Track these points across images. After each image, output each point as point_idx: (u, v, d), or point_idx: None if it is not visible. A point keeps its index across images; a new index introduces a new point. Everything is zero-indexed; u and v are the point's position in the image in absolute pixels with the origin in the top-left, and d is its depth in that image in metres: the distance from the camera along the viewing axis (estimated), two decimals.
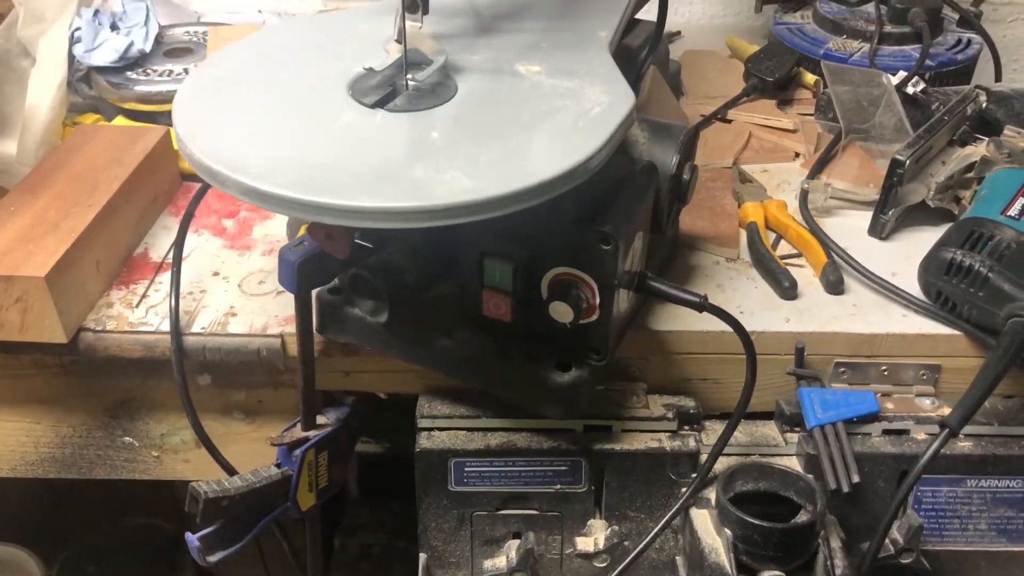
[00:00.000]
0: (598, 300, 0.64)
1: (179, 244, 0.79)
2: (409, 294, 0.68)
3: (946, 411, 0.77)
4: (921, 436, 0.75)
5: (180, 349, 0.75)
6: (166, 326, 0.76)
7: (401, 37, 0.65)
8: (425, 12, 0.66)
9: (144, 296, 0.80)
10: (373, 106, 0.62)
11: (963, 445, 0.75)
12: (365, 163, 0.56)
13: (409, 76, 0.63)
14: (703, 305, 0.68)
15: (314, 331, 0.73)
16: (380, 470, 1.11)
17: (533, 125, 0.60)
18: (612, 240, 0.61)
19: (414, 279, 0.68)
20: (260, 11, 1.36)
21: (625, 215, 0.63)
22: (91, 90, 1.02)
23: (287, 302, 0.80)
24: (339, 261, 0.67)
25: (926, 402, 0.78)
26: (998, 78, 1.14)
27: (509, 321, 0.67)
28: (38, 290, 0.71)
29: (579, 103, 0.62)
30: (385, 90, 0.64)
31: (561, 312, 0.64)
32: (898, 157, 0.82)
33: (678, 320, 0.77)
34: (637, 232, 0.66)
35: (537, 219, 0.61)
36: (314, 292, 0.72)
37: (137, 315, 0.78)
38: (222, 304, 0.80)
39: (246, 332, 0.77)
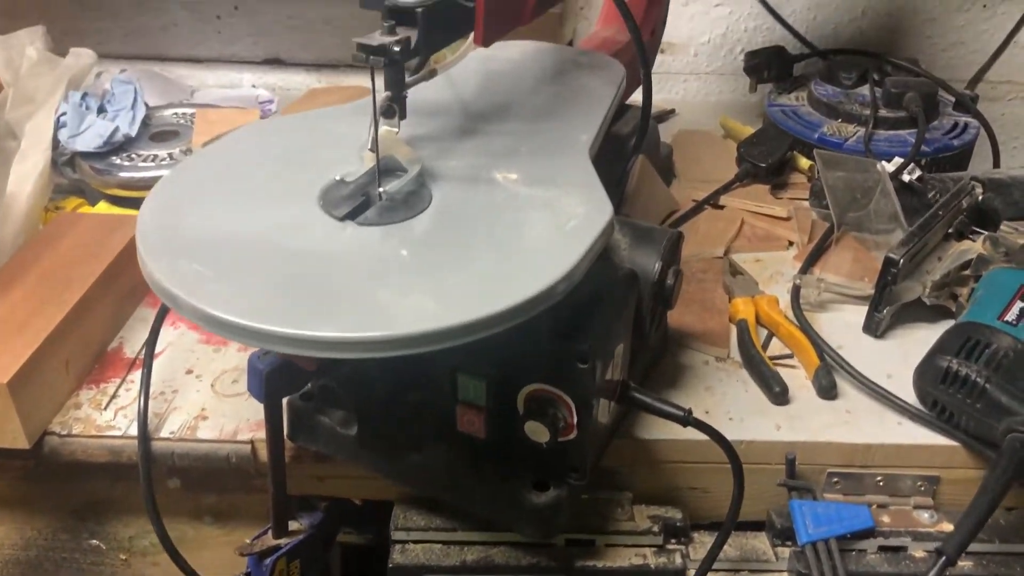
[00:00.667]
0: (575, 419, 0.61)
1: (151, 344, 0.77)
2: (379, 407, 0.66)
3: (946, 526, 0.74)
4: (919, 554, 0.72)
5: (147, 456, 0.73)
6: (134, 430, 0.74)
7: (375, 146, 0.63)
8: (402, 117, 0.64)
9: (114, 396, 0.78)
10: (343, 219, 0.60)
11: (963, 564, 0.71)
12: (329, 286, 0.54)
13: (381, 189, 0.61)
14: (687, 420, 0.65)
15: (285, 438, 0.70)
16: (363, 560, 1.08)
17: (505, 241, 0.58)
18: (590, 358, 0.59)
19: (384, 392, 0.65)
20: (254, 86, 1.36)
21: (604, 330, 0.61)
22: (75, 174, 1.01)
23: (258, 406, 0.77)
24: (308, 371, 0.65)
25: (924, 515, 0.74)
26: (996, 163, 1.12)
27: (483, 437, 0.64)
28: (1, 396, 0.69)
29: (555, 215, 0.60)
30: (357, 200, 0.62)
31: (537, 432, 0.61)
32: (892, 256, 0.80)
33: (665, 428, 0.74)
34: (618, 345, 0.64)
35: (511, 335, 0.58)
36: (285, 398, 0.70)
37: (105, 418, 0.76)
38: (193, 406, 0.77)
39: (216, 438, 0.74)
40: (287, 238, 0.58)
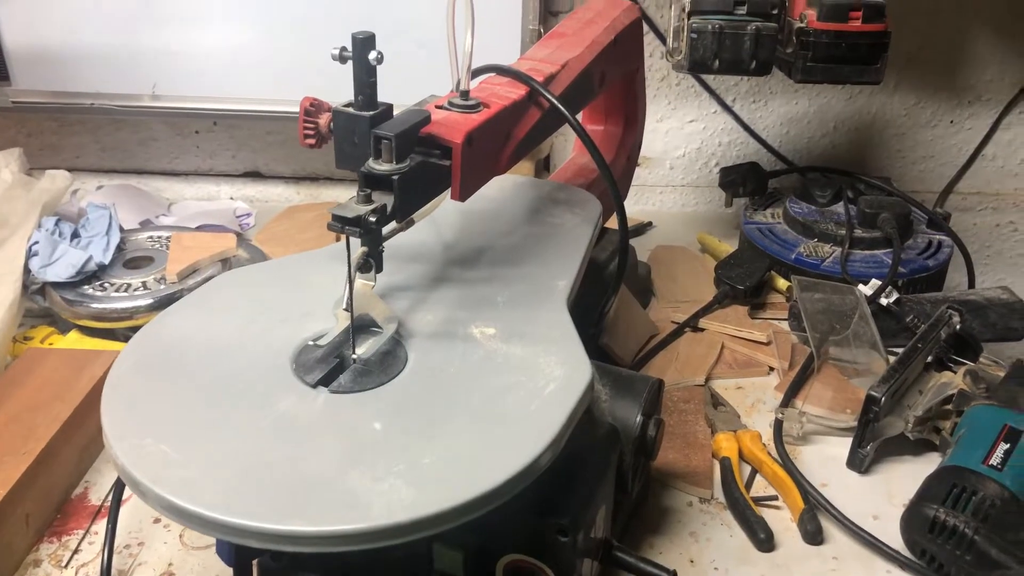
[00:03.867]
0: None
1: (115, 505, 0.74)
2: (353, 573, 0.63)
3: None
4: None
5: None
6: None
7: (349, 303, 0.62)
8: (378, 271, 0.63)
9: (76, 551, 0.75)
10: (316, 385, 0.58)
11: None
12: (300, 469, 0.52)
13: (355, 355, 0.60)
14: None
15: None
16: None
17: (483, 410, 0.57)
18: (571, 532, 0.57)
19: (358, 558, 0.63)
20: (232, 198, 1.36)
21: (586, 500, 0.59)
22: (46, 302, 0.99)
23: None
24: None
25: None
26: (971, 282, 1.13)
27: None
28: None
29: (533, 379, 0.59)
30: (330, 363, 0.60)
31: None
32: (873, 394, 0.80)
33: None
34: (600, 508, 0.62)
35: None
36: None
37: None
38: (160, 561, 0.74)
39: None
40: (259, 410, 0.56)
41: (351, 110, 0.60)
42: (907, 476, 0.83)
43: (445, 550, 0.60)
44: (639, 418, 0.67)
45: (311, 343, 0.61)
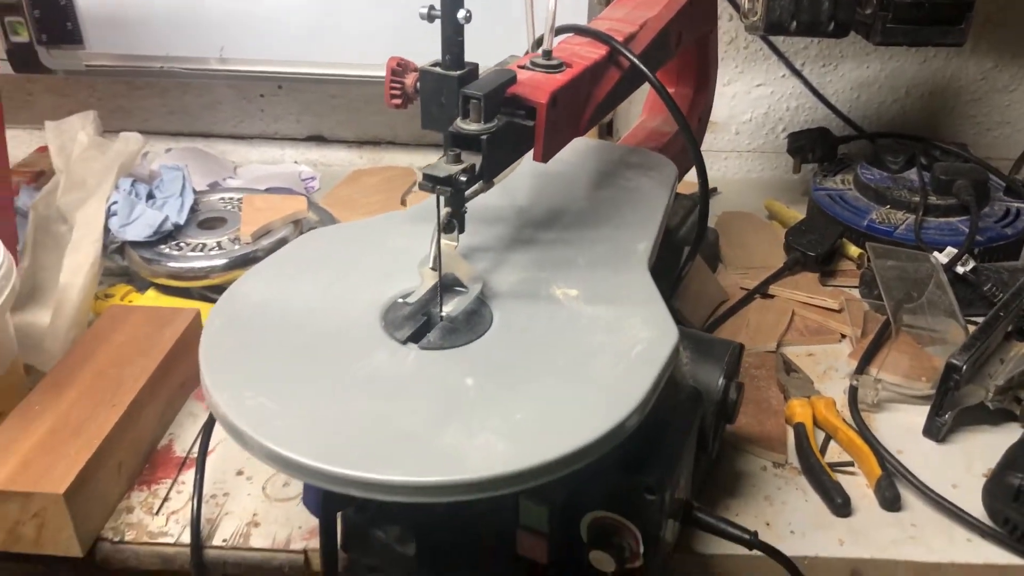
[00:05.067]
0: (642, 549, 0.60)
1: (202, 453, 0.76)
2: (438, 528, 0.64)
3: None
4: None
5: (201, 567, 0.72)
6: (187, 536, 0.73)
7: (435, 263, 0.63)
8: (461, 232, 0.64)
9: (166, 499, 0.77)
10: (405, 341, 0.59)
11: None
12: (396, 422, 0.53)
13: (443, 312, 0.61)
14: (753, 543, 0.64)
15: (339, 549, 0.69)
16: None
17: (572, 370, 0.57)
18: (657, 490, 0.57)
19: (444, 513, 0.64)
20: (296, 162, 1.37)
21: (670, 459, 0.59)
22: (124, 261, 1.02)
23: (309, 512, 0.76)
24: None
25: None
26: None
27: (544, 563, 0.62)
28: (56, 506, 0.68)
29: (619, 340, 0.60)
30: (418, 321, 0.61)
31: (602, 561, 0.60)
32: (954, 362, 0.78)
33: (717, 543, 0.72)
34: (683, 471, 0.62)
35: None
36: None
37: (157, 523, 0.75)
38: (245, 511, 0.76)
39: (268, 547, 0.73)
40: (351, 364, 0.57)
41: (439, 69, 0.60)
42: (986, 446, 0.82)
43: (532, 505, 0.60)
44: (721, 381, 0.67)
45: (400, 300, 0.62)
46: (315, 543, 0.73)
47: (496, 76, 0.61)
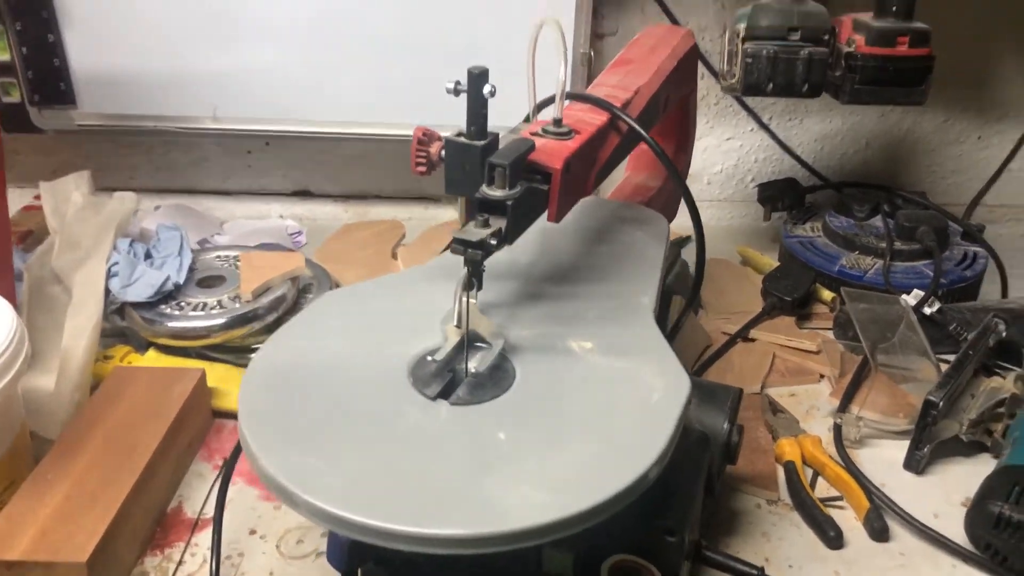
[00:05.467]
0: None
1: (219, 513, 0.77)
2: None
3: None
4: None
5: None
6: None
7: (460, 320, 0.66)
8: (479, 289, 0.68)
9: (180, 563, 0.78)
10: (435, 398, 0.62)
11: None
12: (438, 477, 0.56)
13: (470, 367, 0.64)
14: None
15: None
16: None
17: (597, 422, 0.61)
18: (677, 532, 0.61)
19: (472, 563, 0.66)
20: (282, 216, 1.39)
21: (687, 502, 0.63)
22: (123, 321, 1.03)
23: (327, 567, 0.77)
24: None
25: None
26: (1004, 293, 1.17)
27: None
28: (78, 575, 0.69)
29: (637, 389, 0.63)
30: (445, 377, 0.64)
31: None
32: (931, 399, 0.84)
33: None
34: (696, 512, 0.66)
35: None
36: None
37: None
38: (262, 570, 0.77)
39: None
40: (387, 421, 0.60)
41: (463, 139, 0.64)
42: (961, 476, 0.87)
43: (556, 553, 0.63)
44: (726, 425, 0.71)
45: (429, 358, 0.65)
46: None
47: (517, 145, 0.65)
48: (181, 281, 1.03)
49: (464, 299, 0.66)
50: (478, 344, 0.68)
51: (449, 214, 1.39)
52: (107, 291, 1.00)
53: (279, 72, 1.24)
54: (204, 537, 0.81)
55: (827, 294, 1.13)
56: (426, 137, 0.67)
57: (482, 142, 0.64)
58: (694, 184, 1.38)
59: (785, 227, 1.24)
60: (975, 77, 1.30)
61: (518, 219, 0.64)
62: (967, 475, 0.87)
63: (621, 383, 0.64)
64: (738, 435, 0.73)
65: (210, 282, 1.06)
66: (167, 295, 1.02)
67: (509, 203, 0.62)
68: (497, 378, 0.65)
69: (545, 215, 0.70)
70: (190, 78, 1.22)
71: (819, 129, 1.33)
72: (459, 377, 0.65)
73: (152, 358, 1.00)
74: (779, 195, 1.27)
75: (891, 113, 1.32)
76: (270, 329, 1.02)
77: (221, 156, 1.36)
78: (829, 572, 0.77)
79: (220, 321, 0.99)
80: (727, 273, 1.22)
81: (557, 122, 0.71)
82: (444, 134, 0.65)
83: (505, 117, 0.70)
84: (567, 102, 0.80)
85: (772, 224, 1.32)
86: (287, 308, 1.04)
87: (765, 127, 1.30)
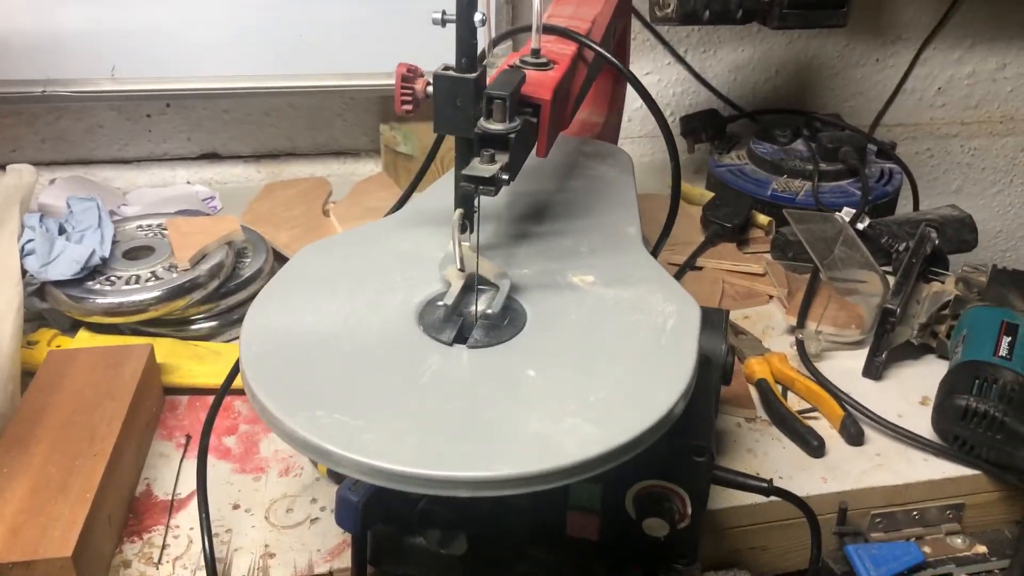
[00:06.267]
0: (690, 509, 0.64)
1: (202, 487, 0.73)
2: (485, 522, 0.65)
3: (979, 548, 0.81)
4: None
5: None
6: None
7: (463, 263, 0.64)
8: (472, 232, 0.65)
9: (164, 547, 0.73)
10: (452, 343, 0.60)
11: None
12: (479, 421, 0.54)
13: (486, 309, 0.62)
14: (770, 490, 0.69)
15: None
16: None
17: (620, 349, 0.60)
18: (706, 452, 0.61)
19: (491, 508, 0.65)
20: (189, 182, 1.30)
21: (707, 421, 0.64)
22: (43, 303, 0.94)
23: (325, 531, 0.75)
24: (403, 495, 0.64)
25: (958, 541, 0.81)
26: (916, 206, 1.25)
27: (596, 540, 0.65)
28: (63, 571, 0.64)
29: (650, 316, 0.63)
30: (455, 322, 0.62)
31: (656, 527, 0.63)
32: (890, 307, 0.88)
33: (727, 496, 0.77)
34: (713, 431, 0.67)
35: None
36: None
37: (164, 573, 0.71)
38: (255, 544, 0.74)
39: (291, 575, 0.71)
40: (409, 371, 0.57)
41: (453, 73, 0.61)
42: (915, 377, 0.93)
43: (584, 485, 0.63)
44: (724, 346, 0.72)
45: (440, 304, 0.62)
46: (339, 563, 0.72)
47: (509, 76, 0.62)
48: (107, 254, 0.94)
49: (463, 242, 0.63)
50: (481, 288, 0.65)
51: (368, 168, 1.34)
52: (24, 272, 0.90)
53: (179, 29, 1.14)
54: (183, 518, 0.76)
55: (763, 219, 1.16)
56: (411, 73, 0.63)
57: (474, 75, 0.61)
58: None
59: (712, 157, 1.27)
60: (873, 1, 1.36)
61: (517, 153, 0.62)
62: (920, 376, 0.93)
63: (634, 312, 0.64)
64: (732, 355, 0.75)
65: (136, 253, 0.98)
66: (93, 270, 0.93)
67: (511, 136, 0.60)
68: (509, 318, 0.63)
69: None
70: (80, 37, 1.11)
71: (732, 59, 1.36)
72: (469, 321, 0.63)
73: (85, 339, 0.92)
74: (702, 127, 1.29)
75: (797, 40, 1.36)
76: (211, 298, 0.96)
77: (118, 122, 1.25)
78: (817, 479, 0.81)
79: (157, 293, 0.92)
80: (660, 207, 1.23)
81: (535, 52, 0.68)
82: (431, 69, 0.62)
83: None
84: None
85: (696, 157, 1.35)
86: (227, 275, 0.98)
87: (681, 60, 1.31)
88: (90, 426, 0.75)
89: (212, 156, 1.31)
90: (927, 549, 0.80)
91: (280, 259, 1.06)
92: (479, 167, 0.59)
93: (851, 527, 0.80)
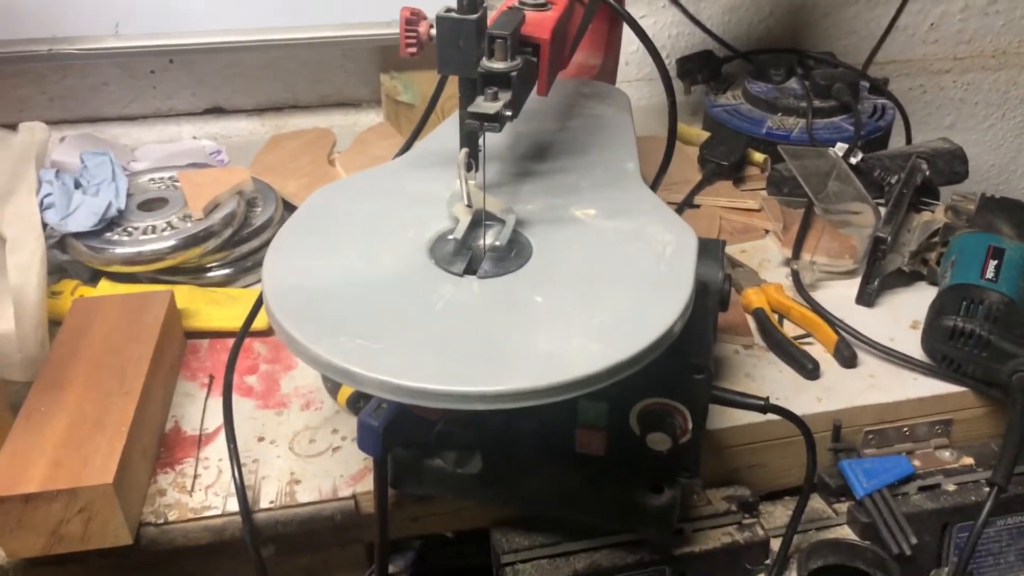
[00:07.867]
0: (691, 425, 0.68)
1: (228, 418, 0.77)
2: (498, 442, 0.70)
3: (966, 460, 0.85)
4: (952, 487, 0.83)
5: (254, 530, 0.73)
6: (231, 506, 0.74)
7: (470, 199, 0.67)
8: (476, 169, 0.68)
9: (196, 477, 0.77)
10: (463, 274, 0.64)
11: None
12: (492, 341, 0.57)
13: (494, 242, 0.65)
14: (767, 407, 0.73)
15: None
16: None
17: (622, 275, 0.64)
18: (705, 369, 0.65)
19: (503, 427, 0.69)
20: (195, 137, 1.33)
21: (705, 342, 0.68)
22: (64, 255, 0.97)
23: (347, 459, 0.79)
24: (421, 419, 0.68)
25: (947, 454, 0.86)
26: (908, 140, 1.27)
27: (603, 455, 0.69)
28: (105, 497, 0.68)
29: (650, 245, 0.67)
30: (465, 255, 0.65)
31: (659, 442, 0.67)
32: (881, 235, 0.92)
33: (726, 416, 0.81)
34: (712, 351, 0.71)
35: None
36: None
37: (197, 499, 0.75)
38: (282, 472, 0.78)
39: (317, 499, 0.76)
40: (423, 300, 0.61)
41: (455, 15, 0.63)
42: (906, 303, 0.97)
43: (590, 403, 0.67)
44: (721, 273, 0.75)
45: (451, 238, 0.66)
46: (362, 487, 0.77)
47: (509, 16, 0.65)
48: (123, 206, 0.98)
49: (470, 179, 0.66)
50: (488, 223, 0.69)
51: (370, 118, 1.36)
52: (44, 225, 0.94)
53: None
54: (211, 450, 0.80)
55: (758, 156, 1.19)
56: (414, 16, 0.66)
57: (476, 15, 0.63)
58: None
59: (707, 98, 1.29)
60: None
61: (519, 92, 0.65)
62: (911, 302, 0.96)
63: (633, 241, 0.67)
64: (728, 283, 0.78)
65: (151, 205, 1.01)
66: (110, 222, 0.96)
67: (513, 74, 0.63)
68: (516, 250, 0.66)
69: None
70: None
71: (726, 0, 1.37)
72: (477, 253, 0.66)
73: (107, 288, 0.96)
74: (697, 68, 1.31)
75: None
76: (225, 246, 0.99)
77: (122, 79, 1.27)
78: (812, 399, 0.85)
79: (172, 242, 0.96)
80: (657, 147, 1.25)
81: None
82: (433, 12, 0.64)
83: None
84: None
85: (692, 99, 1.37)
86: (240, 223, 1.01)
87: (676, 2, 1.33)
88: (119, 367, 0.79)
89: (216, 111, 1.33)
90: (917, 462, 0.85)
91: (289, 208, 1.09)
92: (483, 104, 0.61)
93: (845, 444, 0.85)
